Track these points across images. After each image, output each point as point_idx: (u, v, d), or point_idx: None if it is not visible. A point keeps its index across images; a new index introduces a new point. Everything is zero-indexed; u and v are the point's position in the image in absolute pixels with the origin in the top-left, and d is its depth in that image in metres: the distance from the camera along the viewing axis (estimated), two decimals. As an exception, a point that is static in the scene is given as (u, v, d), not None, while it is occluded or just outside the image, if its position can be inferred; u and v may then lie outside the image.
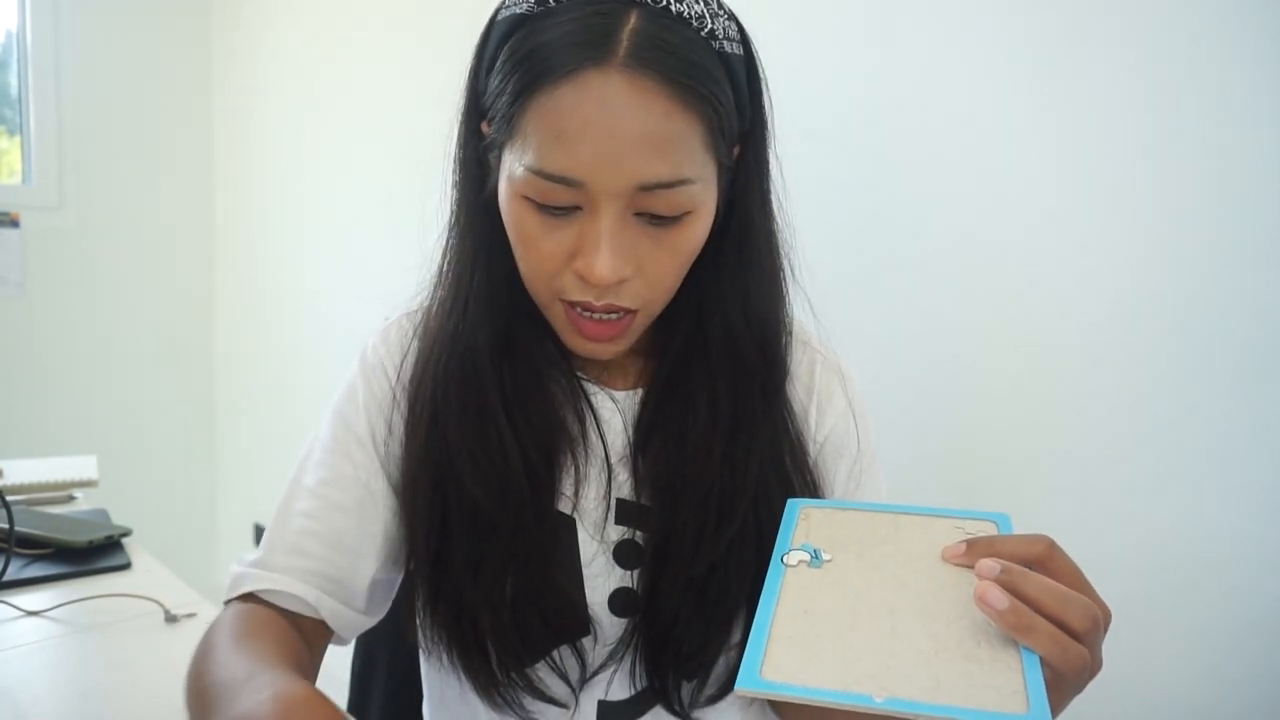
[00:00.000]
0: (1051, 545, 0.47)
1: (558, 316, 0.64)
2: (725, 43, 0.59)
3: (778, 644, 0.44)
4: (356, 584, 0.68)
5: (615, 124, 0.54)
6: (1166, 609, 0.92)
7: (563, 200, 0.58)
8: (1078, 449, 0.98)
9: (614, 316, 0.62)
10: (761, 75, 0.64)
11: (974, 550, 0.48)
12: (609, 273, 0.57)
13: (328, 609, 0.67)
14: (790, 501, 0.56)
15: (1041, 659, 0.42)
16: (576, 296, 0.61)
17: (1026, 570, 0.44)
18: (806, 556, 0.50)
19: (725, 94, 0.58)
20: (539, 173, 0.56)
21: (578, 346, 0.66)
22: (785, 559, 0.50)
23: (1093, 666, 0.44)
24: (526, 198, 0.59)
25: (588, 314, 0.62)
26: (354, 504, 0.68)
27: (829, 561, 0.50)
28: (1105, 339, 0.95)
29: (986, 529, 0.52)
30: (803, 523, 0.54)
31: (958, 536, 0.50)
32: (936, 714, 0.39)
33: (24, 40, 2.46)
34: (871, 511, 0.55)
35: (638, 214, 0.58)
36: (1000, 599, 0.42)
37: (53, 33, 2.48)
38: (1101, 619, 0.45)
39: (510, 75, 0.57)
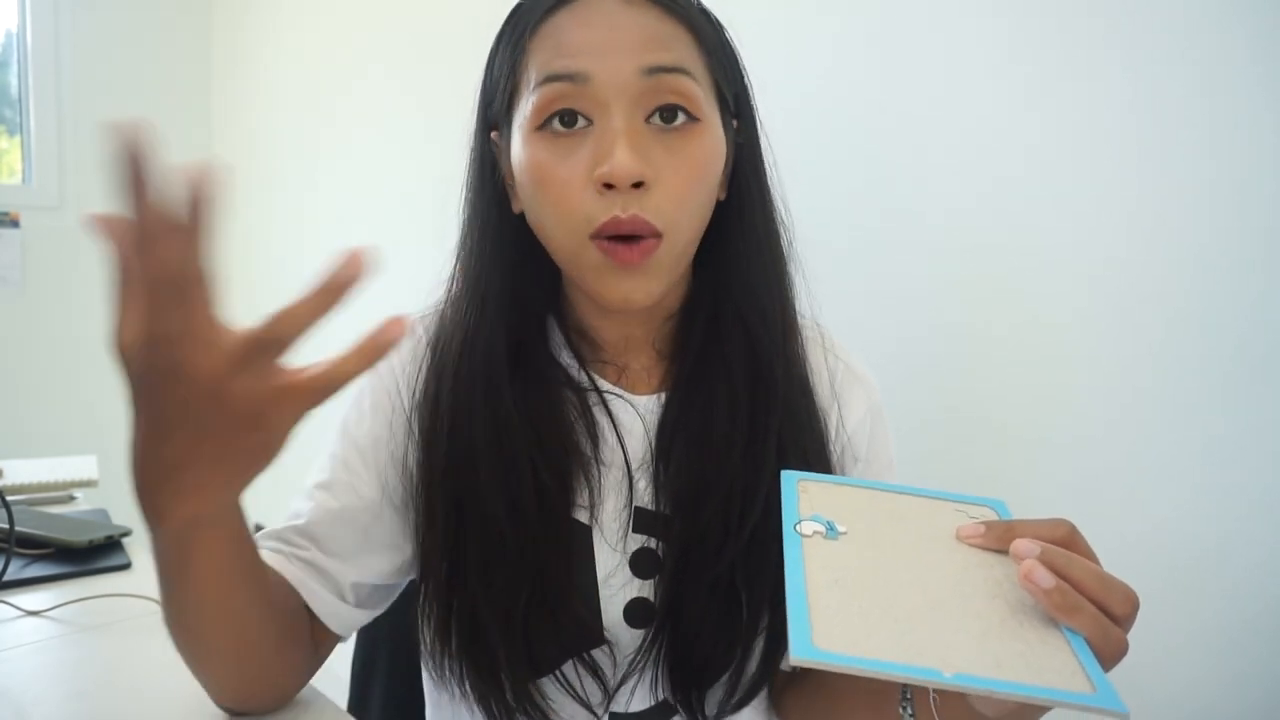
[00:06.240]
0: (1073, 530, 0.46)
1: (589, 262, 0.62)
2: (703, 8, 0.65)
3: (820, 614, 0.40)
4: (341, 579, 0.68)
5: (614, 25, 0.60)
6: (1164, 608, 0.91)
7: (572, 109, 0.60)
8: (1073, 448, 0.98)
9: (643, 239, 0.61)
10: (741, 63, 0.68)
11: (992, 532, 0.47)
12: (629, 163, 0.58)
13: (309, 591, 0.66)
14: (784, 473, 0.53)
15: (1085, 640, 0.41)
16: (603, 216, 0.59)
17: (1068, 552, 0.44)
18: (821, 528, 0.47)
19: (709, 30, 0.64)
20: (546, 79, 0.60)
21: (612, 289, 0.62)
22: (799, 528, 0.47)
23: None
24: (538, 130, 0.61)
25: (619, 240, 0.60)
26: (342, 508, 0.68)
27: (844, 535, 0.47)
28: (1101, 337, 0.95)
29: (986, 515, 0.51)
30: (803, 495, 0.51)
31: (963, 520, 0.49)
32: (1005, 691, 0.38)
33: (24, 40, 2.46)
34: (869, 489, 0.53)
35: (648, 121, 0.61)
36: (1046, 578, 0.42)
37: (53, 33, 2.48)
38: (1138, 604, 0.44)
39: (509, 38, 0.64)
